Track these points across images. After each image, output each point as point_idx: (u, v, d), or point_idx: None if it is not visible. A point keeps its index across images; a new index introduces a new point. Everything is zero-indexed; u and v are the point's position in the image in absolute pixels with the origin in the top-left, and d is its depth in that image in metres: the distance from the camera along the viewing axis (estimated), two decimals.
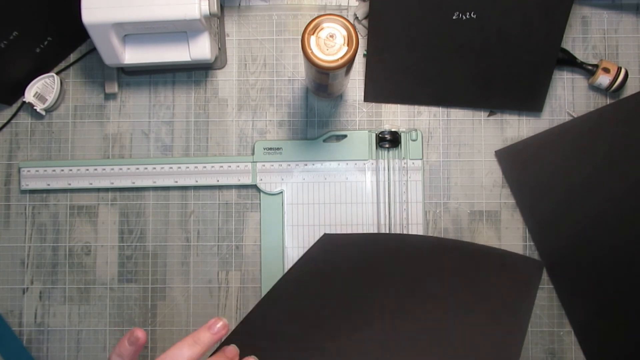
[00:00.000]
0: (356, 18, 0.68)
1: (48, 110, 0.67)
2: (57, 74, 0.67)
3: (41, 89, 0.66)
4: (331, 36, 0.50)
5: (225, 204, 0.67)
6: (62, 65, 0.68)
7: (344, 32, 0.50)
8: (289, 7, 0.68)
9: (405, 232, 0.64)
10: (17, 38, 0.60)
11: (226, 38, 0.68)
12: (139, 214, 0.67)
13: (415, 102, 0.67)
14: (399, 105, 0.67)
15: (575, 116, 0.66)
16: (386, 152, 0.65)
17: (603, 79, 0.64)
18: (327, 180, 0.65)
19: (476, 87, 0.66)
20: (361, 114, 0.67)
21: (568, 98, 0.67)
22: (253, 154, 0.66)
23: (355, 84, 0.68)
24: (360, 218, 0.65)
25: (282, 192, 0.65)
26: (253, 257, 0.66)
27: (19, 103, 0.68)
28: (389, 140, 0.65)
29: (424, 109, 0.67)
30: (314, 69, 0.52)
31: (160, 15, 0.57)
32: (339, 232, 0.65)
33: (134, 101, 0.68)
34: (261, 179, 0.65)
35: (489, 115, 0.67)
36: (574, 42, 0.67)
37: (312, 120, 0.67)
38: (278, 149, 0.66)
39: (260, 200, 0.66)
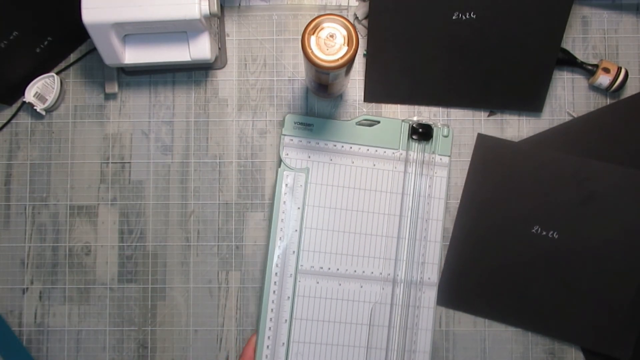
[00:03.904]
0: (356, 18, 0.68)
1: (48, 110, 0.67)
2: (57, 74, 0.67)
3: (41, 89, 0.66)
4: (331, 36, 0.50)
5: (225, 204, 0.67)
6: (62, 65, 0.68)
7: (344, 32, 0.50)
8: (289, 7, 0.68)
9: (425, 226, 0.64)
10: (17, 38, 0.60)
11: (226, 38, 0.68)
12: (139, 214, 0.67)
13: (415, 102, 0.67)
14: (399, 105, 0.67)
15: (575, 116, 0.66)
16: (416, 144, 0.64)
17: (603, 79, 0.64)
18: (355, 164, 0.64)
19: (476, 87, 0.66)
20: (361, 114, 0.67)
21: (568, 98, 0.67)
22: (283, 125, 0.64)
23: (355, 84, 0.68)
24: (383, 207, 0.64)
25: (307, 170, 0.64)
26: (253, 257, 0.66)
27: (19, 103, 0.68)
28: (422, 133, 0.64)
29: (424, 109, 0.67)
30: (314, 69, 0.52)
31: (160, 15, 0.57)
32: (357, 219, 0.64)
33: (134, 101, 0.68)
34: (287, 154, 0.64)
35: (489, 115, 0.67)
36: (574, 42, 0.67)
37: None
38: (309, 125, 0.64)
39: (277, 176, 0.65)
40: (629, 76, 0.65)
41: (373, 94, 0.67)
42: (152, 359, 0.66)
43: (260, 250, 0.66)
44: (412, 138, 0.64)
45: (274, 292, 0.62)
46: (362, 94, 0.67)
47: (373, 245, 0.64)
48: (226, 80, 0.68)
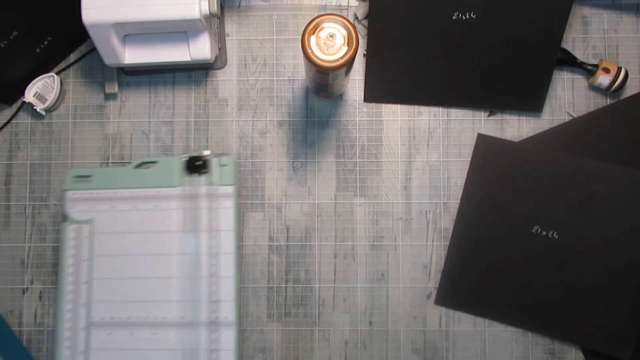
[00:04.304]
0: (356, 18, 0.68)
1: (48, 110, 0.67)
2: (57, 74, 0.67)
3: (41, 89, 0.66)
4: (331, 36, 0.50)
5: None
6: (62, 65, 0.68)
7: (344, 32, 0.50)
8: (289, 7, 0.68)
9: (214, 261, 0.62)
10: (17, 38, 0.60)
11: (226, 38, 0.68)
12: None
13: (415, 102, 0.67)
14: (399, 105, 0.67)
15: (575, 116, 0.66)
16: (195, 178, 0.63)
17: (603, 79, 0.64)
18: (137, 208, 0.63)
19: (476, 87, 0.66)
20: (361, 114, 0.67)
21: (568, 98, 0.67)
22: (64, 182, 0.64)
23: (355, 84, 0.68)
24: (169, 247, 0.63)
25: (91, 221, 0.63)
26: (253, 257, 0.66)
27: (19, 103, 0.68)
28: (197, 166, 0.63)
29: (424, 109, 0.67)
30: (314, 69, 0.52)
31: (160, 15, 0.57)
32: (146, 263, 0.62)
33: (134, 101, 0.68)
34: (71, 208, 0.63)
35: (489, 115, 0.67)
36: (574, 42, 0.67)
37: (312, 120, 0.67)
38: (88, 176, 0.64)
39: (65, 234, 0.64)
40: (629, 76, 0.65)
41: (373, 94, 0.67)
42: None
43: (260, 250, 0.66)
44: (189, 173, 0.63)
45: (68, 346, 0.61)
46: (362, 94, 0.67)
47: (164, 289, 0.62)
48: (226, 80, 0.68)
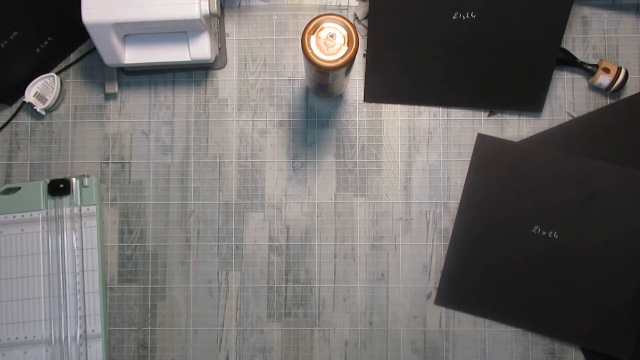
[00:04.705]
0: (356, 18, 0.68)
1: (48, 110, 0.67)
2: (57, 74, 0.67)
3: (41, 89, 0.66)
4: (331, 36, 0.50)
5: (225, 204, 0.67)
6: (62, 65, 0.68)
7: (344, 32, 0.50)
8: (289, 7, 0.68)
9: (80, 279, 0.64)
10: (17, 38, 0.60)
11: (226, 38, 0.68)
12: (139, 214, 0.67)
13: (415, 102, 0.67)
14: (399, 105, 0.67)
15: (575, 116, 0.66)
16: (58, 200, 0.65)
17: (603, 79, 0.64)
18: (3, 233, 0.65)
19: (476, 87, 0.66)
20: (361, 114, 0.67)
21: (568, 98, 0.67)
22: None
23: (355, 84, 0.68)
24: (37, 269, 0.65)
25: None
26: (253, 257, 0.66)
27: (19, 103, 0.68)
28: (60, 189, 0.64)
29: (424, 109, 0.67)
30: (314, 69, 0.52)
31: (161, 15, 0.57)
32: (15, 286, 0.64)
33: (134, 101, 0.68)
34: None
35: (489, 115, 0.67)
36: (574, 42, 0.67)
37: (312, 120, 0.67)
38: None
39: None
40: (629, 76, 0.65)
41: (373, 94, 0.67)
42: (152, 359, 0.66)
43: (260, 250, 0.66)
44: (52, 195, 0.65)
45: None
46: (362, 94, 0.67)
47: (34, 309, 0.64)
48: (226, 80, 0.68)
